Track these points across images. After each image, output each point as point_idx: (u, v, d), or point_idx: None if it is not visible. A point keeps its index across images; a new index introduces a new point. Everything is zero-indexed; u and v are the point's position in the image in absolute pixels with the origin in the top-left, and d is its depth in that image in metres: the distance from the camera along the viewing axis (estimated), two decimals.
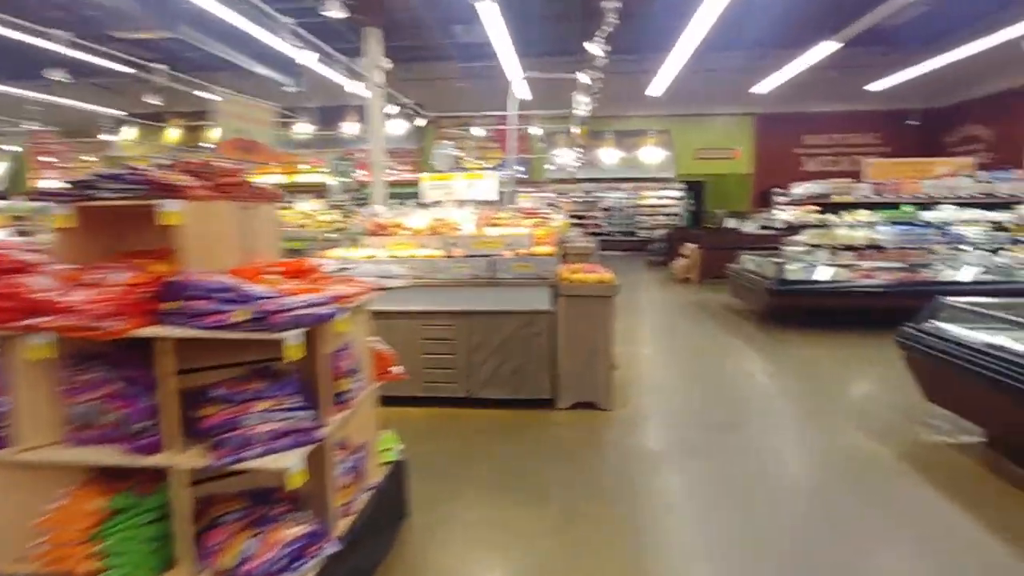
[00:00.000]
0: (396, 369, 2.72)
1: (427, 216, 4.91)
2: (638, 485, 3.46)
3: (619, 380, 5.13)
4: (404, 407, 4.45)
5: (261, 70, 13.27)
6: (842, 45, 12.48)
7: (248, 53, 10.51)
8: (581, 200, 19.65)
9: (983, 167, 8.12)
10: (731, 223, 14.40)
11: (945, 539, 2.96)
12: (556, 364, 4.43)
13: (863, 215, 7.53)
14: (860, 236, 7.44)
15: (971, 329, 3.86)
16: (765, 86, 16.60)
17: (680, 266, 12.19)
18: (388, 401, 4.20)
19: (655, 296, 10.59)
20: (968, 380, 3.59)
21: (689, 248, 12.19)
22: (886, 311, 7.22)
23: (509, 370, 4.43)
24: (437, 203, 5.26)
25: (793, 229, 8.27)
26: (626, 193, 19.54)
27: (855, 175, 8.41)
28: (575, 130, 11.04)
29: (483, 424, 4.29)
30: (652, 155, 19.46)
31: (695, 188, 20.34)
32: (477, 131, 12.77)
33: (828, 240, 7.47)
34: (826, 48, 12.27)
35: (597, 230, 19.52)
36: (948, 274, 7.17)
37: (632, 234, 19.49)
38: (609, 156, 19.47)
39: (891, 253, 7.39)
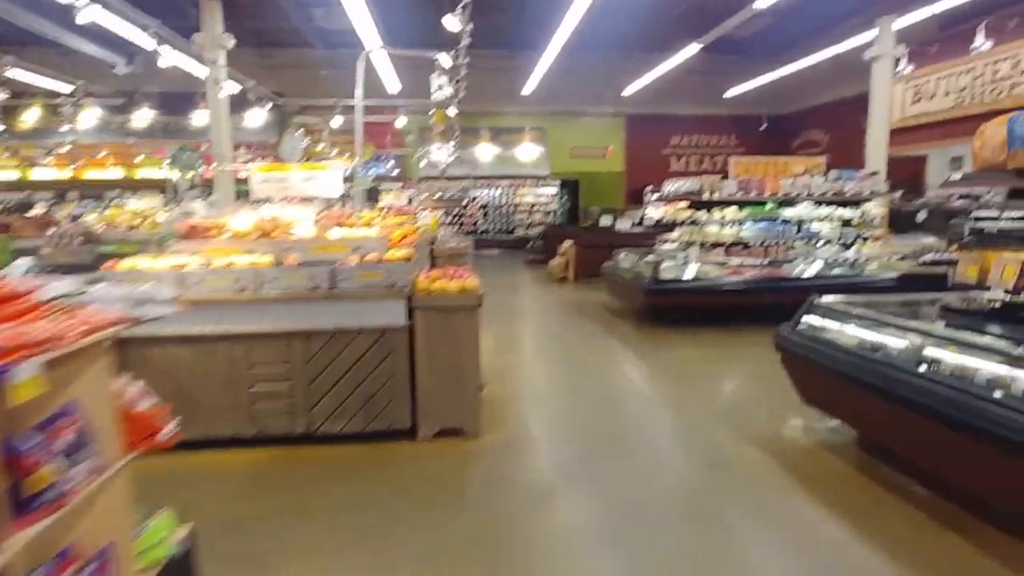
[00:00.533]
0: (166, 431, 1.93)
1: (256, 215, 4.04)
2: (508, 534, 2.91)
3: (490, 398, 4.59)
4: (225, 451, 3.58)
5: (89, 48, 11.28)
6: (702, 49, 13.00)
7: (69, 27, 8.79)
8: (457, 198, 19.07)
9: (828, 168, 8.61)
10: (606, 220, 14.50)
11: (814, 545, 2.75)
12: (415, 387, 3.78)
13: (731, 212, 7.62)
14: (728, 233, 7.50)
15: (841, 328, 3.74)
16: (634, 87, 17.02)
17: (556, 265, 12.00)
18: (200, 446, 3.33)
19: (532, 297, 10.25)
20: (838, 380, 3.44)
21: (565, 246, 12.02)
22: (752, 307, 7.36)
23: (359, 398, 3.72)
24: (268, 200, 4.39)
25: (665, 226, 8.23)
26: (503, 190, 19.25)
27: (718, 174, 8.61)
28: (432, 115, 10.37)
29: (327, 467, 3.54)
30: (528, 152, 19.32)
31: (570, 186, 20.52)
32: (336, 121, 11.70)
33: (699, 237, 7.46)
34: (689, 51, 12.65)
35: (474, 228, 19.06)
36: (804, 269, 7.43)
37: (510, 232, 19.25)
38: (485, 153, 19.06)
39: (756, 250, 7.52)
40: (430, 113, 9.78)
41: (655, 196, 9.27)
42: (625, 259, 8.30)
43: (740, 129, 20.27)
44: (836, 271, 7.51)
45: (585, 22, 10.21)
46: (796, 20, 14.50)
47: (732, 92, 18.02)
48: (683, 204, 8.22)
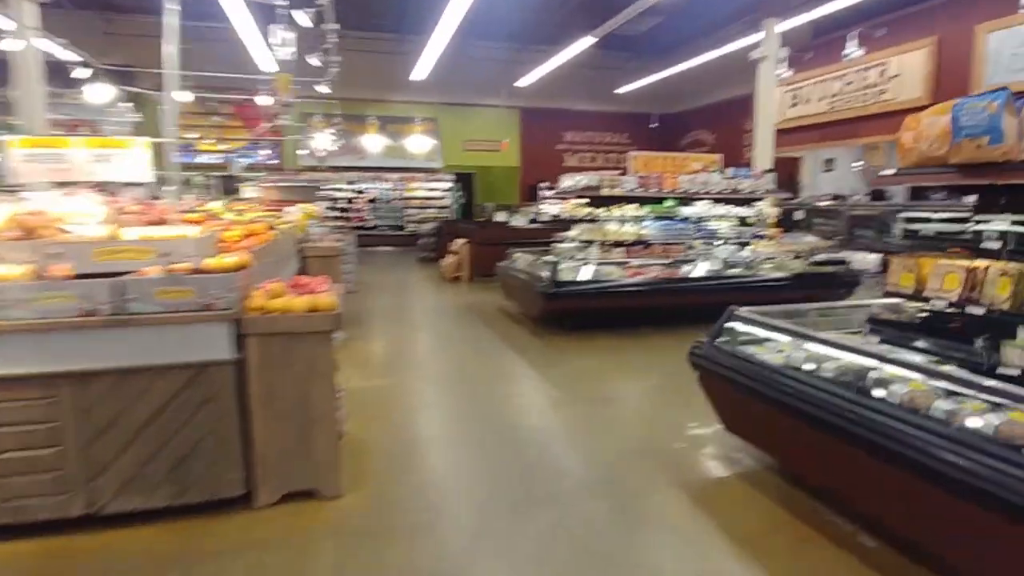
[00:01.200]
0: None
1: (9, 208, 2.87)
2: None
3: (359, 440, 3.71)
4: None
5: None
6: (596, 45, 12.72)
7: None
8: (343, 191, 17.67)
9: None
10: (501, 216, 13.87)
11: None
12: (250, 440, 2.84)
13: (630, 209, 7.19)
14: (629, 231, 7.06)
15: (766, 343, 3.27)
16: (528, 79, 16.54)
17: (449, 264, 11.18)
18: None
19: (422, 300, 9.36)
20: (764, 407, 2.95)
21: (458, 244, 11.23)
22: (654, 309, 6.98)
23: (167, 461, 2.72)
24: (25, 186, 3.19)
25: (563, 224, 7.68)
26: (393, 184, 18.09)
27: (615, 171, 8.23)
28: (276, 81, 9.17)
29: (116, 564, 2.52)
30: (419, 144, 18.30)
31: (464, 180, 19.75)
32: (184, 97, 10.08)
33: (599, 236, 6.95)
34: (582, 44, 12.28)
35: (362, 224, 17.77)
36: (704, 269, 7.17)
37: (401, 228, 18.15)
38: (373, 143, 17.80)
39: (656, 248, 7.15)
40: (275, 77, 8.54)
41: (552, 192, 8.66)
42: (521, 259, 7.66)
43: (632, 127, 20.46)
44: (733, 271, 7.31)
45: (476, 9, 9.48)
46: (686, 20, 14.65)
47: (624, 89, 18.07)
48: (581, 200, 7.72)
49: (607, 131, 20.68)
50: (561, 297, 6.34)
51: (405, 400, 4.71)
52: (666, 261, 7.07)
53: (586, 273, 6.62)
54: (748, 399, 3.08)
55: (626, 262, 6.88)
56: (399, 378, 5.24)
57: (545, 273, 6.57)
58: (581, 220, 7.15)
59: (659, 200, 7.37)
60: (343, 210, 17.58)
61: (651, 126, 19.81)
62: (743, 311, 3.41)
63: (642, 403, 4.79)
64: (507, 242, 10.55)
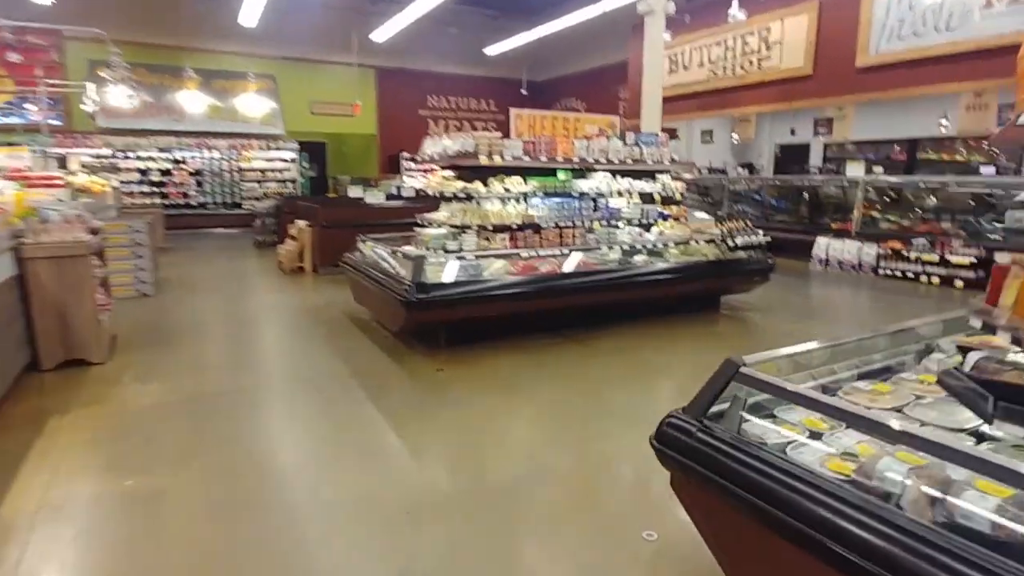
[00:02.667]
0: None
1: None
2: None
3: None
4: None
5: None
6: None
7: None
8: (155, 160, 14.31)
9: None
10: (356, 192, 11.68)
11: None
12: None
13: (515, 183, 5.57)
14: (514, 213, 5.45)
15: (808, 435, 1.79)
16: (384, 33, 14.27)
17: (288, 252, 8.92)
18: None
19: (244, 304, 7.11)
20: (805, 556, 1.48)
21: (299, 227, 8.99)
22: (552, 314, 5.49)
23: None
24: None
25: (430, 201, 5.89)
26: (223, 153, 15.01)
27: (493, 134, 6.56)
28: None
29: None
30: (254, 105, 15.32)
31: (315, 150, 17.06)
32: None
33: (476, 218, 5.26)
34: None
35: (185, 201, 14.59)
36: (607, 258, 5.78)
37: (237, 206, 15.19)
38: (193, 102, 14.56)
39: (549, 234, 5.62)
40: None
41: (414, 162, 6.75)
42: (373, 251, 5.78)
43: (501, 93, 18.88)
44: (639, 259, 6.01)
45: None
46: None
47: (493, 49, 16.39)
48: (450, 173, 5.98)
49: (474, 96, 18.93)
50: (430, 306, 4.59)
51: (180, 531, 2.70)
52: (562, 250, 5.56)
53: (462, 271, 4.92)
54: (780, 540, 1.58)
55: (514, 253, 5.27)
56: (166, 480, 3.17)
57: (406, 273, 4.77)
58: (453, 197, 5.41)
59: (551, 172, 5.83)
60: (157, 184, 14.27)
61: (522, 92, 18.36)
62: (753, 371, 1.88)
63: (578, 502, 2.91)
64: (359, 224, 8.53)
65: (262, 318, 6.28)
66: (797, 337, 2.75)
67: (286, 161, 15.69)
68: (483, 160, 5.31)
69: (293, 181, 15.77)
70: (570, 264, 5.48)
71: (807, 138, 12.93)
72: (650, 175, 6.51)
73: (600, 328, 5.62)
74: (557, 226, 5.69)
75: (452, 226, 5.28)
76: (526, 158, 5.57)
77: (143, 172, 14.14)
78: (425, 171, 17.61)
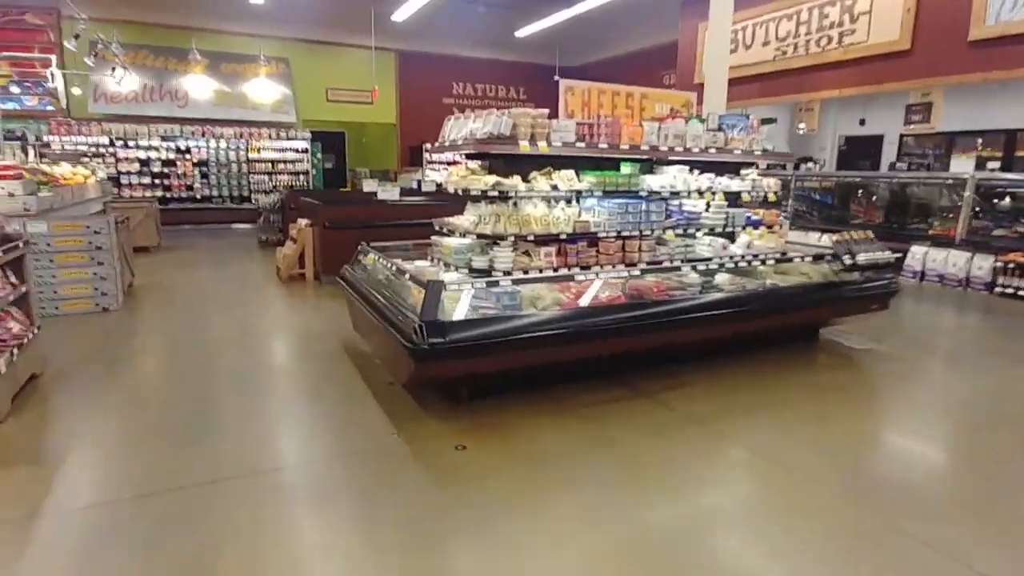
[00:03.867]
0: None
1: None
2: None
3: None
4: None
5: None
6: None
7: None
8: (157, 149, 13.18)
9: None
10: (370, 186, 10.35)
11: None
12: None
13: (564, 178, 4.13)
14: (564, 218, 4.03)
15: None
16: (405, 11, 12.92)
17: (285, 256, 7.63)
18: None
19: (222, 329, 5.79)
20: None
21: (299, 226, 7.69)
22: (620, 360, 4.07)
23: None
24: None
25: (453, 199, 4.50)
26: (230, 142, 13.83)
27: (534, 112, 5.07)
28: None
29: None
30: (265, 90, 14.10)
31: (332, 140, 15.83)
32: None
33: (513, 225, 3.85)
34: None
35: (189, 194, 13.46)
36: (688, 281, 4.33)
37: (246, 199, 14.03)
38: (199, 87, 13.39)
39: (610, 246, 4.19)
40: None
41: (438, 155, 5.33)
42: (377, 263, 4.41)
43: (532, 80, 17.41)
44: (722, 279, 4.55)
45: None
46: None
47: (523, 31, 14.92)
48: (478, 163, 4.59)
49: (502, 83, 17.48)
50: (447, 355, 3.18)
51: None
52: (628, 269, 4.13)
53: (492, 302, 3.52)
54: None
55: (565, 275, 3.85)
56: None
57: (415, 303, 3.39)
58: (482, 197, 4.00)
59: (611, 164, 4.39)
60: (159, 176, 13.15)
61: (555, 78, 16.82)
62: None
63: None
64: (369, 224, 7.22)
65: (237, 352, 4.96)
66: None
67: (299, 152, 14.47)
68: (523, 147, 3.89)
69: (306, 173, 14.54)
70: (640, 289, 4.04)
71: (881, 128, 11.23)
72: (733, 168, 5.03)
73: (674, 373, 4.18)
74: (619, 236, 4.25)
75: (480, 235, 3.88)
76: (580, 145, 4.13)
77: (144, 162, 13.03)
78: (450, 164, 16.30)
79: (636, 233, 4.32)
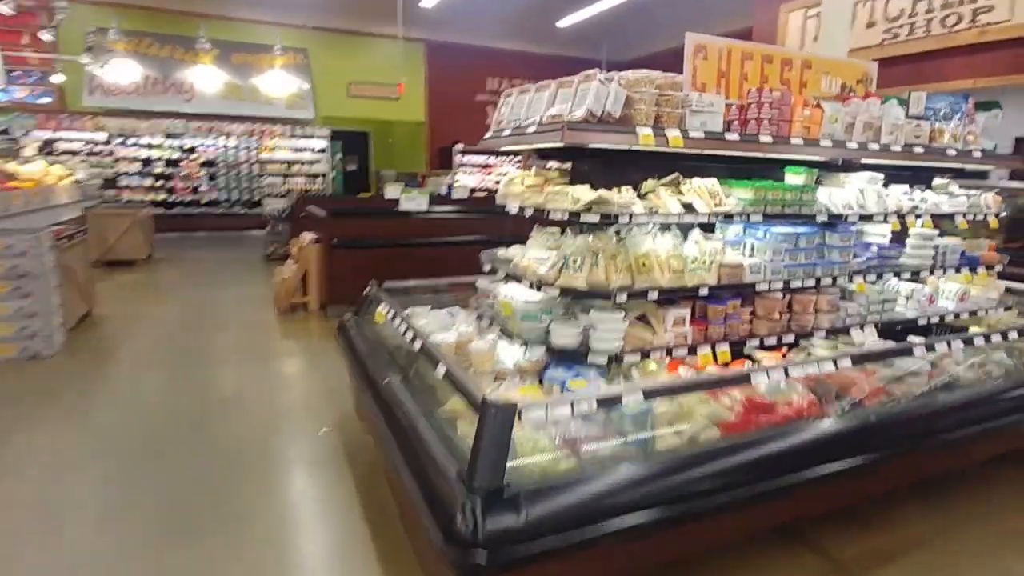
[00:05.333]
0: None
1: None
2: None
3: None
4: None
5: None
6: None
7: None
8: (161, 148, 11.85)
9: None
10: (392, 191, 8.81)
11: None
12: None
13: (703, 192, 2.47)
14: (705, 258, 2.37)
15: None
16: None
17: (284, 281, 6.08)
18: None
19: (185, 395, 4.22)
20: None
21: (303, 243, 6.15)
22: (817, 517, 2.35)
23: None
24: None
25: (503, 217, 2.83)
26: (240, 140, 12.45)
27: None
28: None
29: None
30: (280, 84, 12.69)
31: (356, 140, 14.39)
32: None
33: (621, 271, 2.22)
34: None
35: (194, 198, 12.11)
36: (913, 371, 2.62)
37: (257, 204, 12.62)
38: (207, 79, 12.03)
39: (773, 306, 2.52)
40: None
41: (486, 141, 3.59)
42: (391, 327, 2.79)
43: (573, 75, 15.72)
44: (941, 357, 2.84)
45: None
46: None
47: (566, 21, 13.31)
48: (551, 166, 2.98)
49: (543, 78, 15.82)
50: (519, 564, 1.54)
51: None
52: (810, 343, 2.46)
53: (592, 427, 1.87)
54: None
55: (737, 374, 2.18)
56: None
57: (460, 430, 1.77)
58: (564, 222, 2.36)
59: (764, 168, 2.74)
60: (162, 177, 11.82)
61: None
62: None
63: None
64: (389, 243, 5.68)
65: (181, 449, 3.39)
66: None
67: (316, 152, 13.03)
68: (645, 137, 2.23)
69: (324, 176, 13.11)
70: (844, 385, 2.36)
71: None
72: (925, 178, 3.32)
73: (887, 520, 2.49)
74: (786, 286, 2.58)
75: (567, 290, 2.24)
76: (731, 137, 2.47)
77: (145, 162, 11.70)
78: (483, 167, 14.74)
79: (812, 282, 2.65)
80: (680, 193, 2.47)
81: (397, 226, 6.23)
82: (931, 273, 3.05)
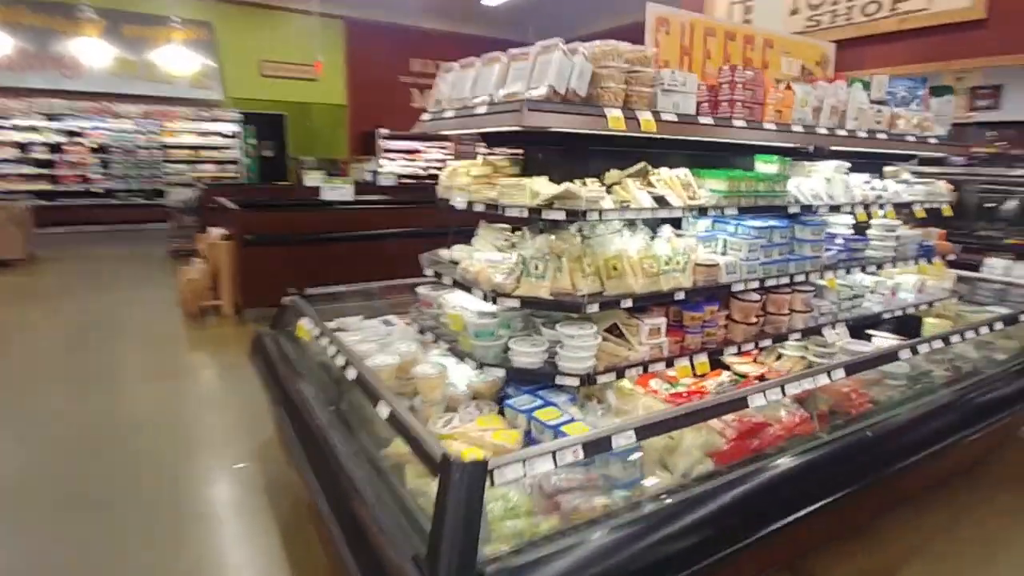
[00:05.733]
0: None
1: None
2: None
3: None
4: None
5: None
6: None
7: None
8: (38, 128, 10.50)
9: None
10: (313, 179, 8.17)
11: None
12: None
13: (676, 182, 2.19)
14: (679, 257, 2.09)
15: None
16: None
17: (191, 282, 5.41)
18: None
19: (71, 420, 3.61)
20: None
21: (211, 239, 5.50)
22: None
23: None
24: None
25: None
26: (138, 123, 11.24)
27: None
28: None
29: None
30: (181, 60, 11.55)
31: (271, 123, 13.37)
32: None
33: (588, 275, 1.90)
34: None
35: (85, 188, 10.84)
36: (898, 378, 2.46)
37: (160, 194, 11.46)
38: (94, 52, 10.75)
39: (749, 309, 2.29)
40: None
41: (425, 122, 3.14)
42: (316, 347, 2.36)
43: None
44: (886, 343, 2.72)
45: None
46: None
47: (492, 0, 12.87)
48: (503, 155, 2.63)
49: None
50: None
51: None
52: (792, 352, 2.25)
53: (574, 473, 1.55)
54: None
55: (734, 396, 1.89)
56: None
57: (411, 487, 1.40)
58: (521, 222, 2.01)
59: (742, 154, 2.50)
60: (43, 164, 10.49)
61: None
62: None
63: None
64: (310, 238, 5.15)
65: (83, 487, 2.82)
66: None
67: (226, 136, 11.99)
68: (614, 119, 1.91)
69: (236, 163, 12.10)
70: (838, 399, 2.16)
71: None
72: (877, 167, 3.22)
73: (874, 538, 2.34)
74: (762, 286, 2.36)
75: (529, 300, 1.90)
76: (705, 121, 2.19)
77: (22, 147, 10.33)
78: (410, 152, 14.10)
79: (786, 280, 2.44)
80: (650, 185, 2.18)
81: (320, 219, 5.67)
82: (893, 265, 2.94)
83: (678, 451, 1.67)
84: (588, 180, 2.08)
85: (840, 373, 1.99)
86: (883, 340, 2.90)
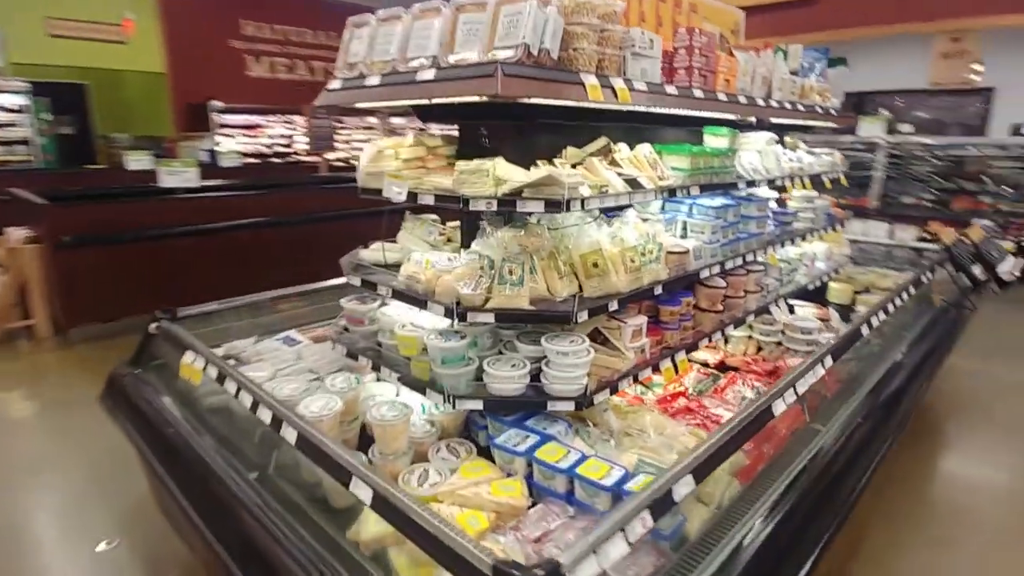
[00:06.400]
0: None
1: None
2: None
3: None
4: None
5: None
6: None
7: None
8: None
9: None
10: (139, 161, 6.90)
11: None
12: None
13: (643, 161, 1.93)
14: (651, 247, 1.85)
15: None
16: None
17: None
18: None
19: None
20: None
21: (11, 242, 4.32)
22: None
23: None
24: None
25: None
26: None
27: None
28: None
29: None
30: None
31: (68, 94, 11.12)
32: None
33: (564, 276, 1.59)
34: None
35: None
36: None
37: None
38: None
39: (715, 296, 2.13)
40: None
41: (335, 87, 2.58)
42: (229, 393, 1.79)
43: (344, 23, 14.14)
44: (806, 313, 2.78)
45: None
46: None
47: None
48: (435, 132, 2.19)
49: (309, 26, 13.93)
50: None
51: None
52: (761, 339, 2.13)
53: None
54: None
55: (754, 411, 1.73)
56: None
57: None
58: (487, 212, 1.63)
59: (689, 127, 2.31)
60: None
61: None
62: None
63: None
64: (149, 234, 4.27)
65: None
66: None
67: (10, 111, 9.77)
68: (592, 89, 1.59)
69: (26, 143, 9.94)
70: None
71: None
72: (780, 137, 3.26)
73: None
74: (722, 269, 2.20)
75: (504, 313, 1.54)
76: (671, 90, 1.94)
77: None
78: (250, 127, 12.54)
79: (740, 261, 2.31)
80: (617, 165, 1.89)
81: (159, 209, 4.70)
82: (814, 236, 2.98)
83: (710, 479, 1.45)
84: (540, 161, 1.74)
85: (829, 360, 1.89)
86: (802, 309, 2.95)
